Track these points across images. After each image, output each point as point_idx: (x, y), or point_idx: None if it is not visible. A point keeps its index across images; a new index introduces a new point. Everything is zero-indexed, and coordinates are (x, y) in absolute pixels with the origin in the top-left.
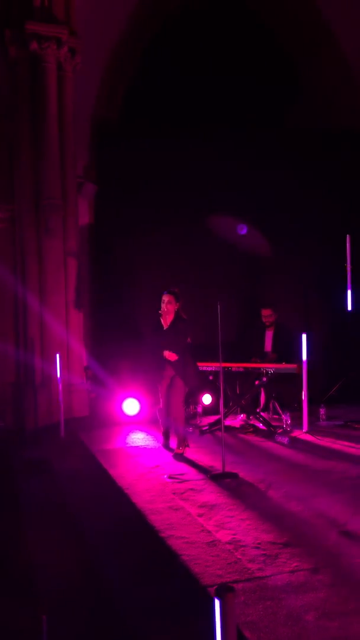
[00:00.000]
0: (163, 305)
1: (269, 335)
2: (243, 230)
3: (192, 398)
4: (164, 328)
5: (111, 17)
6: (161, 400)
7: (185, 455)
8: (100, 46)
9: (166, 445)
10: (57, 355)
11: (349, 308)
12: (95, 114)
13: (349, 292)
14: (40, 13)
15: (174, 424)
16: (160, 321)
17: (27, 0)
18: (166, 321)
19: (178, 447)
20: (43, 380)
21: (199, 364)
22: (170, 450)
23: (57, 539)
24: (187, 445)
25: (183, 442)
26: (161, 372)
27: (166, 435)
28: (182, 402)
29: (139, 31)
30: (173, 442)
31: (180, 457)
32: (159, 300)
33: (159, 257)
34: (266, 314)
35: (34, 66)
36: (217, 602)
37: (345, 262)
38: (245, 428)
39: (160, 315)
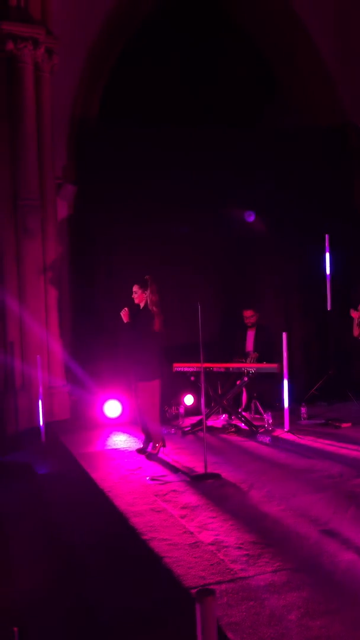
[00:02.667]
0: (134, 296)
1: (250, 335)
2: (250, 217)
3: (174, 399)
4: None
5: (88, 17)
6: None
7: (159, 455)
8: (77, 46)
9: (142, 450)
10: (38, 358)
11: (329, 308)
12: (73, 114)
13: (328, 292)
14: (16, 13)
15: (145, 423)
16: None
17: (3, 0)
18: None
19: (153, 448)
20: (23, 383)
21: (180, 364)
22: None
23: (37, 543)
24: (164, 446)
25: (157, 442)
26: (130, 370)
27: (147, 438)
28: (151, 400)
29: (117, 30)
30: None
31: (154, 457)
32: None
33: (140, 256)
34: (248, 315)
35: (10, 66)
36: (197, 606)
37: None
38: (227, 428)
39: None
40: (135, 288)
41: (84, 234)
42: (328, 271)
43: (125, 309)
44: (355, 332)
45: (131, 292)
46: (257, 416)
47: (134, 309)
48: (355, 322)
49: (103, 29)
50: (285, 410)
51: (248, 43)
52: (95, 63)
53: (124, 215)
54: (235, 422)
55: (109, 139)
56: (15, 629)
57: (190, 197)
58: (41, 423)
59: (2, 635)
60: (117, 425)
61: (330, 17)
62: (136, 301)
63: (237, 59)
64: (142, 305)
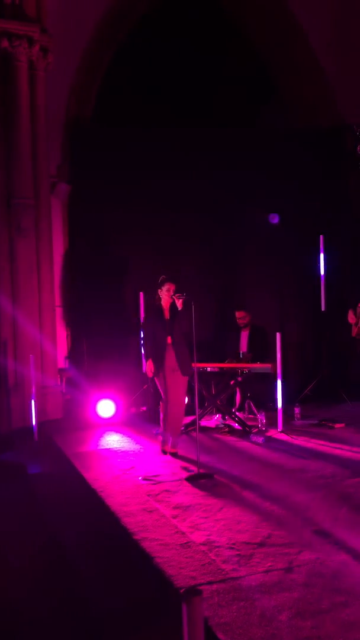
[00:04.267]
0: (169, 294)
1: (244, 336)
2: (275, 219)
3: None
4: (166, 316)
5: (83, 16)
6: (162, 392)
7: (158, 455)
8: (72, 45)
9: (164, 449)
10: (31, 357)
11: (322, 308)
12: (68, 113)
13: (322, 293)
14: (11, 10)
15: (174, 421)
16: (160, 310)
17: None
18: (166, 310)
19: (173, 446)
20: (16, 382)
21: None
22: (165, 453)
23: (29, 543)
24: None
25: (177, 437)
26: (161, 363)
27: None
28: (185, 396)
29: (112, 29)
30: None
31: (177, 455)
32: (136, 298)
33: (133, 255)
34: (240, 316)
35: (4, 64)
36: (184, 606)
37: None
38: (221, 428)
39: (160, 305)
40: (173, 287)
41: (78, 233)
42: (322, 272)
43: None
44: (354, 332)
45: (127, 290)
46: (251, 416)
47: (161, 306)
48: (355, 322)
49: (98, 29)
50: (278, 410)
51: (245, 44)
52: (90, 62)
53: (118, 215)
54: (229, 422)
55: (103, 138)
56: None
57: (185, 198)
58: (34, 423)
59: None
60: (110, 425)
61: (327, 19)
62: (172, 300)
63: (233, 60)
64: (169, 303)
